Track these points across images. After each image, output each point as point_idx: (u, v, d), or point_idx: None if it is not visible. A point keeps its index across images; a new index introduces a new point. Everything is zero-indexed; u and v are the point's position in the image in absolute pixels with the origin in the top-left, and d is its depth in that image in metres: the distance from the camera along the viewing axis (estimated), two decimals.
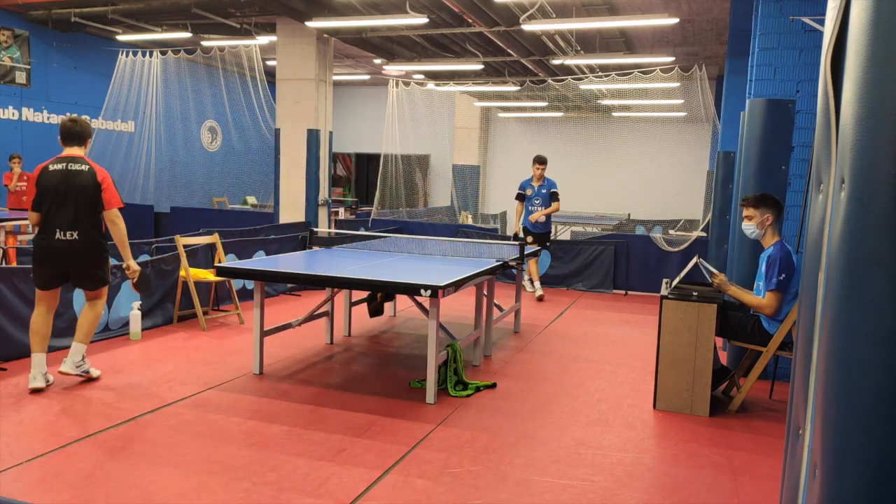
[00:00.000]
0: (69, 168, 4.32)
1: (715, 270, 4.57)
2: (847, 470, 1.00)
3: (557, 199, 8.50)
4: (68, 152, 4.42)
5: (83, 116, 4.61)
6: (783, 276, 4.22)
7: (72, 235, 4.28)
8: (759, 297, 4.35)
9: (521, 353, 5.84)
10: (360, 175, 19.31)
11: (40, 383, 4.31)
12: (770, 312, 4.31)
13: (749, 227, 4.45)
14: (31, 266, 4.49)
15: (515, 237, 8.41)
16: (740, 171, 5.27)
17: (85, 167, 4.36)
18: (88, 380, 4.57)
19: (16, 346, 4.93)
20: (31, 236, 9.16)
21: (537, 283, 8.58)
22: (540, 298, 8.41)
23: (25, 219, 8.96)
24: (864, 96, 1.00)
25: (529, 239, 8.31)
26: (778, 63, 5.13)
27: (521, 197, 8.63)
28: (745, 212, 4.45)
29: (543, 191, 8.50)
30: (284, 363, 5.22)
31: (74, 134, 4.44)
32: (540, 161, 8.52)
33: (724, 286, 4.50)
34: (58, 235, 4.27)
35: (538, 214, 8.45)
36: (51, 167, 4.34)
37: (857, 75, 1.03)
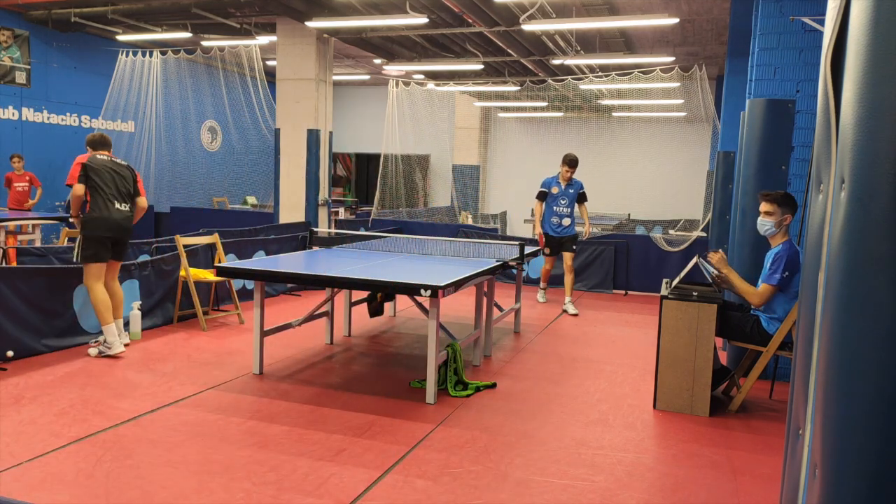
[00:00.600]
0: (113, 159, 5.44)
1: (714, 252, 4.54)
2: (847, 470, 1.00)
3: (586, 199, 7.93)
4: (104, 152, 5.47)
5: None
6: (787, 273, 4.21)
7: (126, 207, 5.32)
8: (752, 287, 4.34)
9: (521, 353, 5.84)
10: (360, 175, 19.31)
11: (120, 348, 5.17)
12: (757, 302, 4.28)
13: (766, 224, 4.34)
14: (84, 245, 5.17)
15: (544, 248, 7.85)
16: (740, 171, 5.27)
17: (123, 162, 5.50)
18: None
19: (16, 346, 4.93)
20: (31, 236, 9.18)
21: (543, 287, 8.33)
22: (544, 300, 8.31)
23: (26, 219, 8.96)
24: (864, 96, 1.00)
25: (547, 250, 7.86)
26: (778, 63, 5.13)
27: (542, 195, 7.86)
28: (766, 207, 4.33)
29: (571, 191, 7.80)
30: (284, 363, 5.22)
31: (106, 142, 5.57)
32: (570, 164, 7.74)
33: (721, 263, 4.46)
34: (117, 206, 5.25)
35: (588, 229, 8.01)
36: (98, 156, 5.36)
37: (857, 75, 1.03)
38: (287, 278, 5.04)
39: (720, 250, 4.55)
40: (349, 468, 3.39)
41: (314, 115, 10.23)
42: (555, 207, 7.84)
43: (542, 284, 8.43)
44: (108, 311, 5.13)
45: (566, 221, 7.82)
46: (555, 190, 7.83)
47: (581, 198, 7.88)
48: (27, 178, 10.03)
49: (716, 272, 4.55)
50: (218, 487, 3.14)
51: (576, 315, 7.67)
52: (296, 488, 3.16)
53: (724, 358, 5.44)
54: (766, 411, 4.56)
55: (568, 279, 7.91)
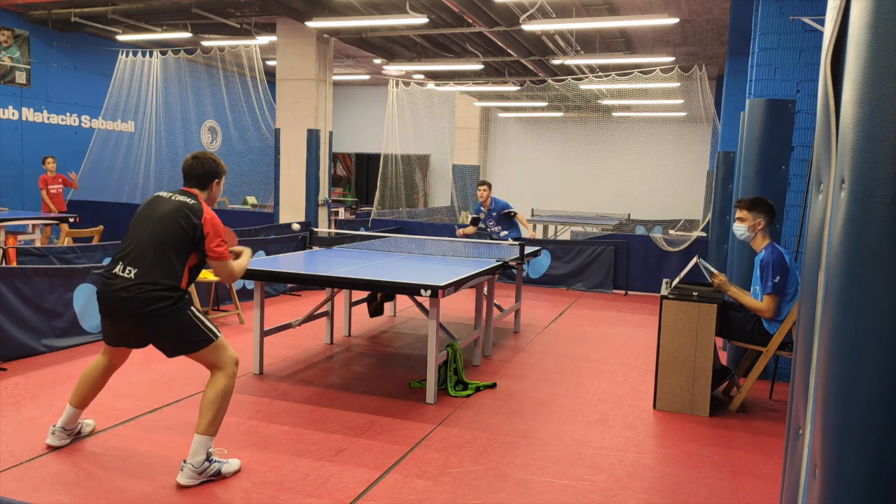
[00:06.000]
0: (175, 197, 3.44)
1: (715, 271, 4.57)
2: (847, 470, 1.00)
3: (514, 214, 8.23)
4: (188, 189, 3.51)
5: (207, 153, 3.58)
6: (778, 278, 4.24)
7: (128, 273, 3.28)
8: (758, 301, 4.37)
9: (521, 353, 5.84)
10: (360, 175, 19.31)
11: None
12: (770, 316, 4.33)
13: (740, 229, 4.49)
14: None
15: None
16: (740, 171, 5.27)
17: (187, 201, 3.39)
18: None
19: (16, 346, 4.92)
20: (31, 237, 9.16)
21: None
22: None
23: (26, 219, 8.93)
24: (864, 96, 1.00)
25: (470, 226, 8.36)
26: (778, 63, 5.13)
27: (475, 221, 8.33)
28: (738, 213, 4.50)
29: (494, 213, 8.19)
30: (284, 363, 5.22)
31: (192, 173, 3.50)
32: (479, 185, 8.23)
33: (724, 286, 4.51)
34: (117, 271, 3.31)
35: (531, 233, 8.34)
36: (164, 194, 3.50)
37: (857, 75, 1.03)
38: (287, 278, 5.04)
39: (721, 274, 4.56)
40: (349, 468, 3.39)
41: (314, 115, 10.23)
42: (489, 233, 8.30)
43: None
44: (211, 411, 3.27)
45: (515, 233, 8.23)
46: (481, 216, 8.29)
47: (508, 216, 8.14)
48: (60, 179, 9.95)
49: (716, 282, 4.56)
50: (217, 488, 3.14)
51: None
52: (296, 488, 3.16)
53: (724, 358, 5.44)
54: (766, 411, 4.56)
55: None
